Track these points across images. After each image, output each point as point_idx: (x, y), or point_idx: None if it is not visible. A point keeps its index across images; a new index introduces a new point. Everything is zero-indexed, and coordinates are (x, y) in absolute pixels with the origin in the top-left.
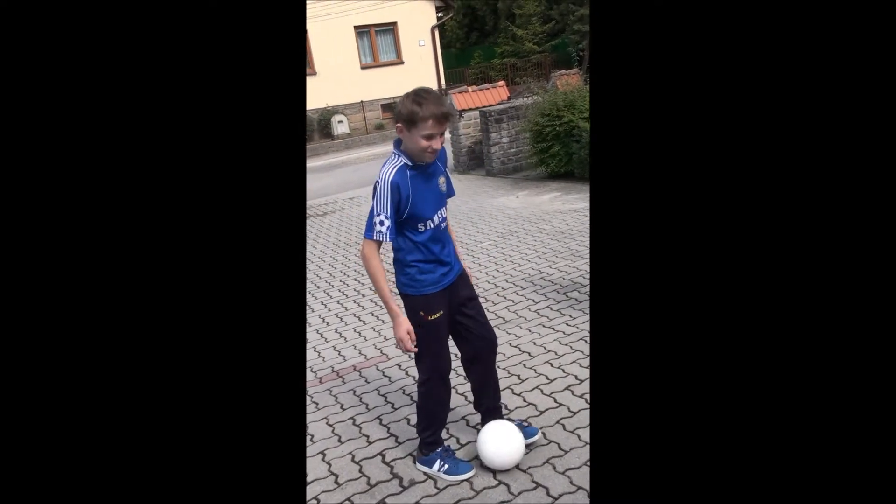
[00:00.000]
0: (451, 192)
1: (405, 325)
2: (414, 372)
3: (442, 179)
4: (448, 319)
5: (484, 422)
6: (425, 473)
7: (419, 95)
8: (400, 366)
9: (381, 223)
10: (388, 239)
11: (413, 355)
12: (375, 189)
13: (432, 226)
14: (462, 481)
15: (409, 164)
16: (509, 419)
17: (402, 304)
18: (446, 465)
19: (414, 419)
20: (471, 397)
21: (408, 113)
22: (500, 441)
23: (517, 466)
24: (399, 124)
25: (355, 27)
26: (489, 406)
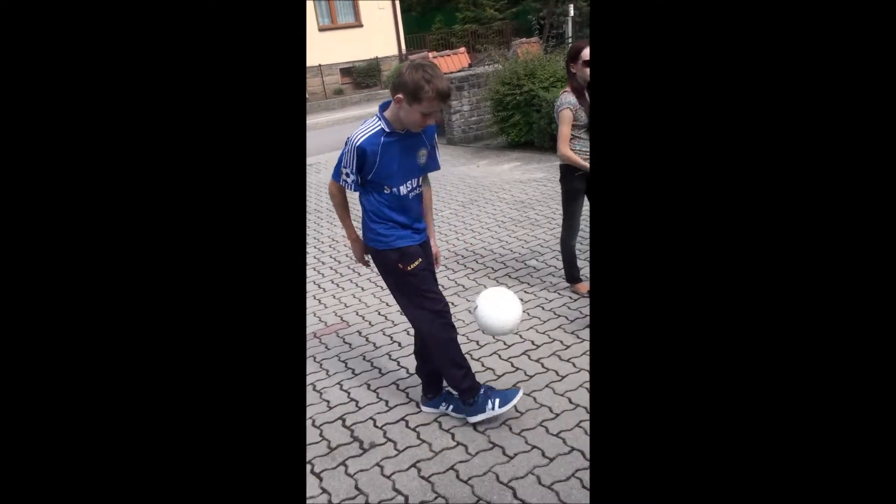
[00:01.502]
0: (433, 167)
1: (358, 249)
2: (375, 339)
3: (423, 152)
4: (428, 266)
5: (424, 389)
6: (480, 421)
7: (427, 71)
8: (360, 332)
9: (347, 175)
10: (352, 189)
11: (402, 305)
12: (346, 144)
13: (397, 192)
14: (516, 403)
15: (388, 129)
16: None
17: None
18: (497, 399)
19: (374, 385)
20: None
21: (413, 86)
22: (497, 306)
23: (474, 428)
24: (399, 95)
25: None
26: (429, 371)
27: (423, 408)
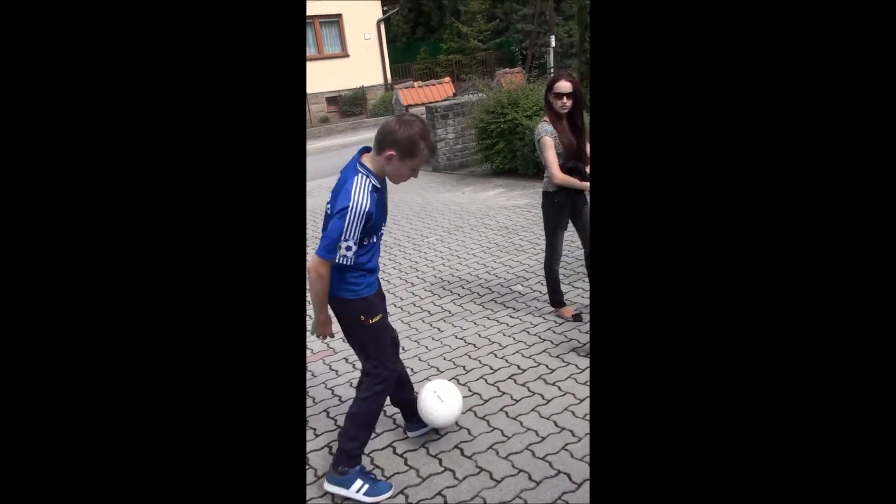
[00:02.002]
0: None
1: (324, 325)
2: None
3: (387, 195)
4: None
5: (404, 414)
6: (338, 496)
7: (420, 127)
8: (347, 359)
9: (348, 248)
10: (350, 262)
11: (363, 360)
12: (345, 213)
13: (376, 240)
14: (382, 499)
15: (377, 185)
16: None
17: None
18: (367, 486)
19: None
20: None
21: (408, 144)
22: (439, 400)
23: (462, 453)
24: (392, 152)
25: None
26: (407, 398)
27: (410, 434)
